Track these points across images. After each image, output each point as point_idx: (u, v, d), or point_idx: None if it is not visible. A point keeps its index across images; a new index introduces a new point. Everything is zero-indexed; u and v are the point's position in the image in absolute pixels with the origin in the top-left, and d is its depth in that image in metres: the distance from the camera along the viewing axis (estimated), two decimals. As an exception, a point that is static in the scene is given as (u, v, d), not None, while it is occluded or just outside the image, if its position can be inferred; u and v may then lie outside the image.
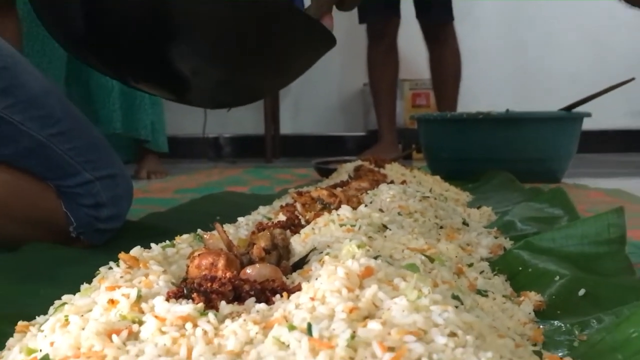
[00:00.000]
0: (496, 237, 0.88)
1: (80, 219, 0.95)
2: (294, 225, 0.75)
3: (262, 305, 0.43)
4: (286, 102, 3.50)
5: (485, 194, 1.48)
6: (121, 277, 0.47)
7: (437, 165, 1.98)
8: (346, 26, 2.72)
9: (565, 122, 1.94)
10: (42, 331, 0.42)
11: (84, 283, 0.50)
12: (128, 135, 2.30)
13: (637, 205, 1.34)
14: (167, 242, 0.59)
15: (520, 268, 0.69)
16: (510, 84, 3.38)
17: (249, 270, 0.48)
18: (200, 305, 0.42)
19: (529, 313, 0.58)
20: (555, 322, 0.55)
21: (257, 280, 0.46)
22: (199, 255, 0.49)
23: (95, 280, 0.49)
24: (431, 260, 0.58)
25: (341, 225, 0.66)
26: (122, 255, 0.51)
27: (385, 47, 2.72)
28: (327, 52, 0.90)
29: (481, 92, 3.19)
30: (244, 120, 3.42)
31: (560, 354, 0.48)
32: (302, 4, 1.06)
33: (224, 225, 0.64)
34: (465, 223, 0.91)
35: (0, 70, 0.87)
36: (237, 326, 0.39)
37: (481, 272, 0.68)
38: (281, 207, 0.91)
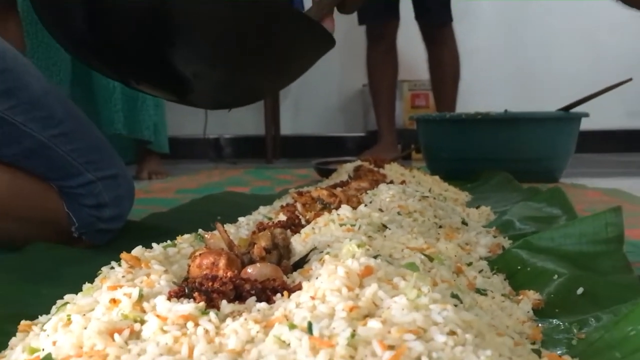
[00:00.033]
0: (495, 237, 0.88)
1: (82, 219, 0.95)
2: (294, 225, 0.75)
3: (263, 304, 0.43)
4: (286, 103, 3.50)
5: (484, 194, 1.48)
6: (123, 276, 0.47)
7: (436, 165, 1.98)
8: (346, 27, 2.72)
9: (563, 122, 1.94)
10: (45, 330, 0.42)
11: (86, 283, 0.50)
12: (131, 137, 2.30)
13: (635, 204, 1.34)
14: (169, 242, 0.59)
15: (519, 267, 0.69)
16: (509, 85, 3.38)
17: (249, 269, 0.48)
18: (202, 304, 0.42)
19: (528, 312, 0.58)
20: (554, 321, 0.55)
21: (257, 279, 0.46)
22: (200, 254, 0.49)
23: (97, 280, 0.49)
24: (430, 259, 0.58)
25: (341, 225, 0.66)
26: (123, 255, 0.51)
27: (385, 48, 2.72)
28: (326, 52, 0.90)
29: (480, 93, 3.19)
30: (245, 121, 3.42)
31: (558, 352, 0.48)
32: (302, 6, 1.06)
33: (224, 225, 0.64)
34: (464, 222, 0.91)
35: (3, 72, 0.88)
36: (238, 325, 0.39)
37: (480, 271, 0.68)
38: (282, 207, 0.91)
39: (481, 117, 1.92)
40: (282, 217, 0.82)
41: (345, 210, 0.71)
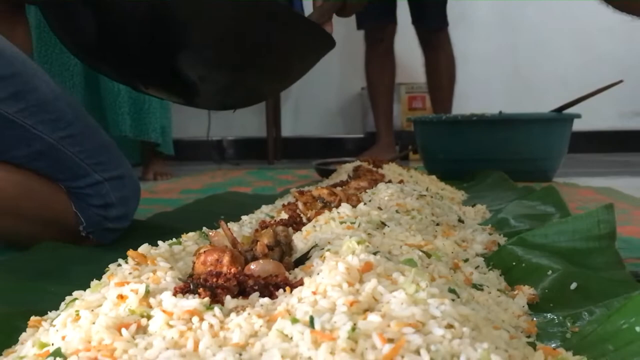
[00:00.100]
0: (490, 234, 0.87)
1: (89, 218, 0.95)
2: (295, 223, 0.74)
3: (266, 300, 0.43)
4: (287, 105, 3.50)
5: (479, 193, 1.47)
6: (130, 273, 0.47)
7: (433, 165, 1.98)
8: (345, 32, 2.72)
9: (556, 123, 1.94)
10: (54, 326, 0.42)
11: (94, 280, 0.50)
12: (137, 139, 2.30)
13: (626, 202, 1.34)
14: (174, 240, 0.59)
15: (514, 263, 0.69)
16: (503, 87, 3.38)
17: (253, 266, 0.48)
18: (206, 299, 0.42)
19: (523, 306, 0.58)
20: (548, 315, 0.55)
21: (260, 275, 0.46)
22: (204, 252, 0.49)
23: (104, 277, 0.49)
24: (428, 255, 0.58)
25: (341, 223, 0.66)
26: (130, 252, 0.51)
27: (383, 52, 2.72)
28: (326, 53, 0.90)
29: (475, 95, 3.20)
30: (247, 123, 3.43)
31: (553, 345, 0.48)
32: (302, 8, 1.06)
33: (228, 224, 0.64)
34: (460, 220, 0.91)
35: (12, 76, 0.87)
36: (242, 320, 0.39)
37: (476, 267, 0.68)
38: (283, 205, 0.91)
39: (476, 118, 1.92)
40: (284, 216, 0.82)
41: (345, 209, 0.71)
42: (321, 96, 3.51)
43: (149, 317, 0.40)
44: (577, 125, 1.98)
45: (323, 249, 0.54)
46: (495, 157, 1.83)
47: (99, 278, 0.50)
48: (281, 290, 0.44)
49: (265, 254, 0.51)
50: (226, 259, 0.48)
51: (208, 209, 1.29)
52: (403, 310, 0.38)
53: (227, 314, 0.41)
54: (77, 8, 0.83)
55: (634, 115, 3.39)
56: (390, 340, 0.35)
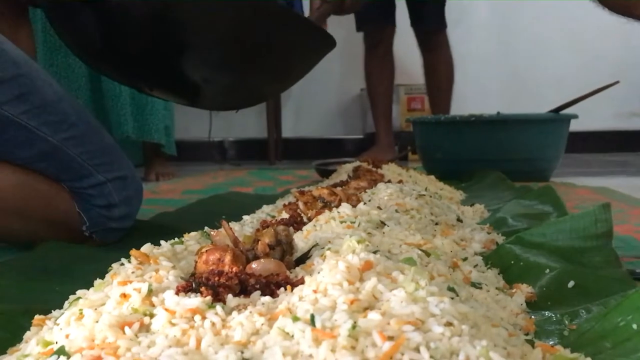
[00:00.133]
0: (489, 233, 0.87)
1: (93, 218, 0.95)
2: (296, 223, 0.74)
3: (267, 298, 0.43)
4: (288, 107, 3.50)
5: (477, 193, 1.47)
6: (133, 272, 0.47)
7: (432, 165, 1.98)
8: (344, 34, 2.72)
9: (554, 123, 1.94)
10: (58, 324, 0.42)
11: (97, 279, 0.50)
12: (140, 140, 2.30)
13: (622, 202, 1.34)
14: (176, 239, 0.59)
15: (512, 262, 0.69)
16: (501, 88, 3.38)
17: (254, 265, 0.48)
18: (208, 298, 0.42)
19: (521, 304, 0.58)
20: (546, 313, 0.55)
21: (262, 274, 0.46)
22: (206, 251, 0.49)
23: (108, 276, 0.49)
24: (427, 254, 0.58)
25: (341, 222, 0.66)
26: (133, 252, 0.51)
27: (382, 54, 2.72)
28: (327, 53, 0.90)
29: (473, 96, 3.19)
30: (248, 124, 3.43)
31: (551, 343, 0.48)
32: (302, 9, 1.07)
33: (230, 223, 0.64)
34: (459, 220, 0.91)
35: (17, 78, 0.88)
36: (244, 318, 0.39)
37: (475, 266, 0.68)
38: (284, 205, 0.91)
39: (475, 119, 1.92)
40: (285, 215, 0.82)
41: (345, 208, 0.71)
42: (321, 97, 3.51)
43: (151, 316, 0.40)
44: (574, 126, 1.98)
45: (323, 248, 0.54)
46: (493, 157, 1.83)
47: (103, 277, 0.50)
48: (282, 289, 0.44)
49: (267, 253, 0.51)
50: (228, 258, 0.48)
51: (210, 209, 1.29)
52: (403, 308, 0.38)
53: (229, 313, 0.41)
54: (80, 11, 0.83)
55: (630, 116, 3.39)
56: (390, 338, 0.35)
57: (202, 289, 0.43)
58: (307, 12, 0.96)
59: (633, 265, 0.74)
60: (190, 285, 0.44)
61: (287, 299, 0.42)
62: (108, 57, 0.88)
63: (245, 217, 0.89)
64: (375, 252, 0.49)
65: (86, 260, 0.83)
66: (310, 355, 0.34)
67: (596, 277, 0.63)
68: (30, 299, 0.66)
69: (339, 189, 0.95)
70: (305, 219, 0.78)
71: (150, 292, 0.43)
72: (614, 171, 2.31)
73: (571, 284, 0.61)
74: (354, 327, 0.35)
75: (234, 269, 0.46)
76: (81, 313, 0.42)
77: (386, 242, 0.60)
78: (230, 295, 0.43)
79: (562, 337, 0.50)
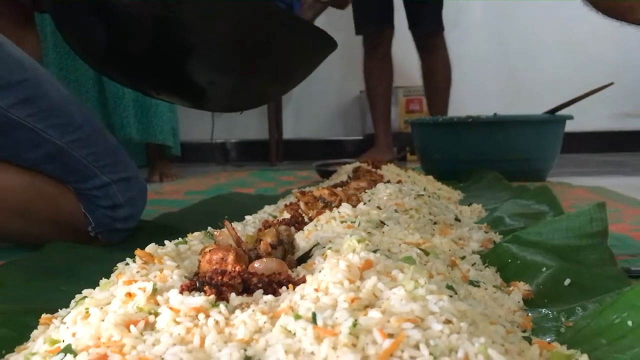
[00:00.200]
0: (486, 232, 0.87)
1: (98, 219, 0.95)
2: (297, 223, 0.74)
3: (270, 297, 0.43)
4: (288, 109, 3.50)
5: (475, 192, 1.47)
6: (137, 272, 0.47)
7: (430, 166, 1.98)
8: (344, 38, 2.72)
9: (550, 124, 1.94)
10: (65, 323, 0.42)
11: (103, 278, 0.50)
12: (144, 141, 2.29)
13: (617, 201, 1.34)
14: (180, 239, 0.59)
15: (510, 260, 0.69)
16: (498, 90, 3.38)
17: (256, 264, 0.48)
18: (212, 297, 0.42)
19: (518, 302, 0.58)
20: (543, 310, 0.55)
21: (264, 273, 0.46)
22: (209, 251, 0.49)
23: (113, 276, 0.49)
24: (426, 253, 0.58)
25: (342, 222, 0.66)
26: (138, 251, 0.51)
27: (381, 56, 2.72)
28: (329, 54, 0.90)
29: (470, 97, 3.19)
30: (249, 126, 3.43)
31: (548, 340, 0.48)
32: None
33: (232, 223, 0.64)
34: (457, 219, 0.91)
35: (23, 82, 0.88)
36: (247, 316, 0.39)
37: (473, 264, 0.68)
38: (285, 205, 0.91)
39: (472, 120, 1.92)
40: (286, 215, 0.82)
41: (345, 208, 0.71)
42: (321, 100, 3.51)
43: (156, 314, 0.40)
44: (570, 127, 1.98)
45: (324, 247, 0.54)
46: (490, 158, 1.83)
47: (108, 277, 0.50)
48: (284, 288, 0.44)
49: (269, 253, 0.51)
50: (231, 258, 0.48)
51: (213, 209, 1.29)
52: (402, 306, 0.38)
53: (232, 311, 0.41)
54: (85, 15, 0.83)
55: (625, 117, 3.39)
56: (390, 336, 0.35)
57: (206, 288, 0.43)
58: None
59: (628, 263, 0.74)
60: (194, 284, 0.44)
61: (289, 297, 0.42)
62: (113, 61, 0.88)
63: (247, 217, 0.89)
64: (375, 251, 0.49)
65: (91, 260, 0.83)
66: (312, 353, 0.34)
67: (592, 275, 0.63)
68: (36, 298, 0.66)
69: (339, 189, 0.95)
70: (306, 219, 0.78)
71: (155, 291, 0.43)
72: (609, 171, 2.31)
73: (567, 281, 0.61)
74: (354, 325, 0.35)
75: (237, 268, 0.46)
76: (87, 312, 0.42)
77: (386, 241, 0.60)
78: (233, 294, 0.43)
79: (558, 334, 0.50)
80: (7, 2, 1.04)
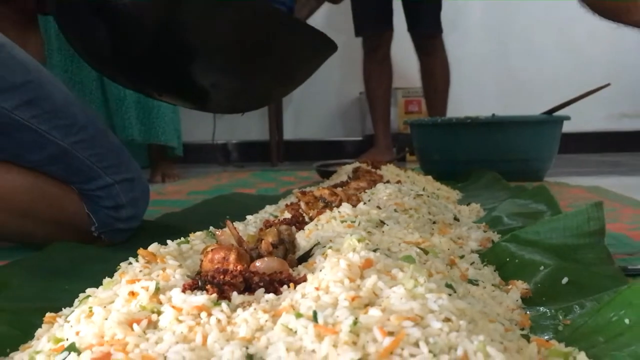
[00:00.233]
0: (485, 231, 0.87)
1: (101, 219, 0.95)
2: (298, 222, 0.74)
3: (271, 295, 0.43)
4: (289, 110, 3.50)
5: (473, 192, 1.47)
6: (140, 271, 0.47)
7: (429, 166, 1.98)
8: (343, 40, 2.71)
9: (547, 125, 1.94)
10: (68, 322, 0.42)
11: (106, 277, 0.50)
12: (147, 143, 2.29)
13: (614, 200, 1.34)
14: (182, 239, 0.59)
15: (508, 259, 0.69)
16: (496, 91, 3.38)
17: (258, 263, 0.48)
18: (214, 296, 0.42)
19: (517, 300, 0.57)
20: (541, 308, 0.55)
21: (265, 272, 0.46)
22: (211, 250, 0.49)
23: (116, 275, 0.49)
24: (426, 252, 0.58)
25: (342, 222, 0.66)
26: (140, 251, 0.51)
27: (380, 58, 2.72)
28: (329, 56, 0.90)
29: (469, 98, 3.20)
30: (250, 127, 3.43)
31: (546, 337, 0.48)
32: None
33: (234, 223, 0.64)
34: (456, 218, 0.91)
35: (27, 84, 0.88)
36: (248, 315, 0.39)
37: (472, 263, 0.68)
38: (286, 205, 0.91)
39: (470, 121, 1.92)
40: (287, 215, 0.82)
41: (345, 208, 0.71)
42: (321, 101, 3.51)
43: (159, 313, 0.41)
44: (567, 127, 1.98)
45: (325, 246, 0.54)
46: (488, 158, 1.83)
47: (111, 276, 0.50)
48: (285, 287, 0.44)
49: (270, 252, 0.51)
50: (232, 257, 0.48)
51: (214, 209, 1.29)
52: (402, 304, 0.38)
53: (233, 310, 0.41)
54: (87, 15, 0.83)
55: (621, 117, 3.39)
56: (391, 334, 0.35)
57: (208, 286, 0.43)
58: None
59: (625, 262, 0.74)
60: (196, 283, 0.44)
61: (290, 296, 0.42)
62: (115, 62, 0.88)
63: (248, 217, 0.89)
64: (375, 251, 0.49)
65: (95, 260, 0.83)
66: (313, 351, 0.34)
67: (589, 274, 0.63)
68: (40, 297, 0.66)
69: (339, 189, 0.95)
70: (307, 219, 0.78)
71: (158, 290, 0.43)
72: (606, 171, 2.31)
73: (565, 280, 0.61)
74: (355, 323, 0.35)
75: (239, 268, 0.46)
76: (91, 311, 0.42)
77: (386, 240, 0.60)
78: (235, 293, 0.43)
79: (556, 332, 0.50)
80: (10, 4, 1.04)
